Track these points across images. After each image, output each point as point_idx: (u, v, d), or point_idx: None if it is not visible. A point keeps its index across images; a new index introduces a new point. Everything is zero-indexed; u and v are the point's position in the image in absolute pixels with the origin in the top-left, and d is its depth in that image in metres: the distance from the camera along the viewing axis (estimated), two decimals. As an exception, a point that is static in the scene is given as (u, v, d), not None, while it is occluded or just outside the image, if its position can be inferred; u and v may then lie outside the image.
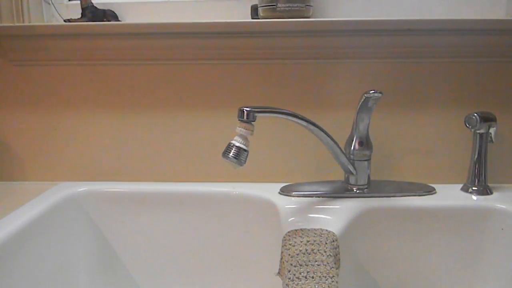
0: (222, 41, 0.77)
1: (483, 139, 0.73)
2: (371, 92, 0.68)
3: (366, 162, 0.73)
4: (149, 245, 0.80)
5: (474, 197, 0.73)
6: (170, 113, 0.82)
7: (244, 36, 0.76)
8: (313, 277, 0.51)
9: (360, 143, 0.72)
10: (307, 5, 0.76)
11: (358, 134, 0.72)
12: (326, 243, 0.58)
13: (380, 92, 0.68)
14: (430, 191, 0.75)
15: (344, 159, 0.71)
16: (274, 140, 0.82)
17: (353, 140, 0.72)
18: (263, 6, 0.77)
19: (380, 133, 0.80)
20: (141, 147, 0.83)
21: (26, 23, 0.81)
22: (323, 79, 0.79)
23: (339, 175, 0.78)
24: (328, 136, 0.67)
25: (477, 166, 0.74)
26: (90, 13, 0.81)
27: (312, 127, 0.66)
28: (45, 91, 0.82)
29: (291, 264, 0.54)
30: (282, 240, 0.61)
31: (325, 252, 0.56)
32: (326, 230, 0.62)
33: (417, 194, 0.74)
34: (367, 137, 0.72)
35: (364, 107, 0.70)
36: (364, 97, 0.69)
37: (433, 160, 0.81)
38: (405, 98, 0.79)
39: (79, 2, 0.83)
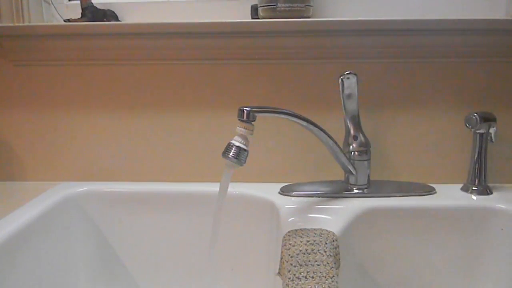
0: (222, 41, 0.77)
1: (483, 139, 0.73)
2: (345, 73, 0.71)
3: (366, 162, 0.73)
4: (149, 245, 0.80)
5: (474, 197, 0.73)
6: (170, 113, 0.82)
7: (244, 36, 0.76)
8: (313, 277, 0.51)
9: (355, 137, 0.72)
10: (307, 5, 0.76)
11: (351, 126, 0.72)
12: (326, 243, 0.58)
13: (355, 74, 0.70)
14: (430, 191, 0.75)
15: (344, 159, 0.71)
16: (274, 140, 0.82)
17: (348, 137, 0.73)
18: (263, 6, 0.77)
19: (380, 133, 0.80)
20: (141, 147, 0.83)
21: (26, 23, 0.81)
22: (323, 79, 0.79)
23: (339, 175, 0.78)
24: (328, 136, 0.67)
25: (477, 166, 0.74)
26: (90, 13, 0.81)
27: (312, 127, 0.66)
28: (45, 91, 0.82)
29: (291, 264, 0.54)
30: (282, 240, 0.61)
31: (325, 252, 0.56)
32: (326, 230, 0.62)
33: (417, 194, 0.74)
34: (360, 129, 0.73)
35: (344, 91, 0.71)
36: (340, 80, 0.71)
37: (433, 160, 0.81)
38: (405, 98, 0.79)
39: (79, 2, 0.83)
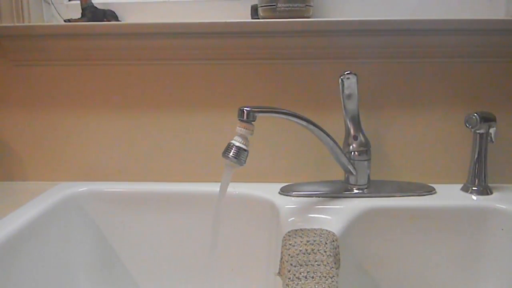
0: (222, 41, 0.77)
1: (483, 139, 0.73)
2: (345, 73, 0.71)
3: (366, 162, 0.73)
4: (149, 245, 0.80)
5: (474, 197, 0.73)
6: (170, 113, 0.82)
7: (244, 36, 0.76)
8: (313, 277, 0.51)
9: (355, 137, 0.72)
10: (307, 5, 0.76)
11: (351, 126, 0.72)
12: (326, 243, 0.58)
13: (355, 74, 0.70)
14: (430, 191, 0.75)
15: (344, 159, 0.71)
16: (274, 140, 0.82)
17: (348, 137, 0.73)
18: (263, 6, 0.77)
19: (380, 133, 0.80)
20: (141, 147, 0.83)
21: (26, 23, 0.81)
22: (323, 79, 0.79)
23: (339, 175, 0.78)
24: (328, 136, 0.67)
25: (477, 166, 0.74)
26: (90, 13, 0.81)
27: (312, 127, 0.66)
28: (45, 91, 0.82)
29: (291, 264, 0.54)
30: (282, 240, 0.61)
31: (325, 252, 0.56)
32: (326, 230, 0.62)
33: (417, 194, 0.74)
34: (360, 129, 0.73)
35: (344, 91, 0.71)
36: (340, 80, 0.71)
37: (433, 160, 0.81)
38: (405, 98, 0.79)
39: (79, 2, 0.83)
